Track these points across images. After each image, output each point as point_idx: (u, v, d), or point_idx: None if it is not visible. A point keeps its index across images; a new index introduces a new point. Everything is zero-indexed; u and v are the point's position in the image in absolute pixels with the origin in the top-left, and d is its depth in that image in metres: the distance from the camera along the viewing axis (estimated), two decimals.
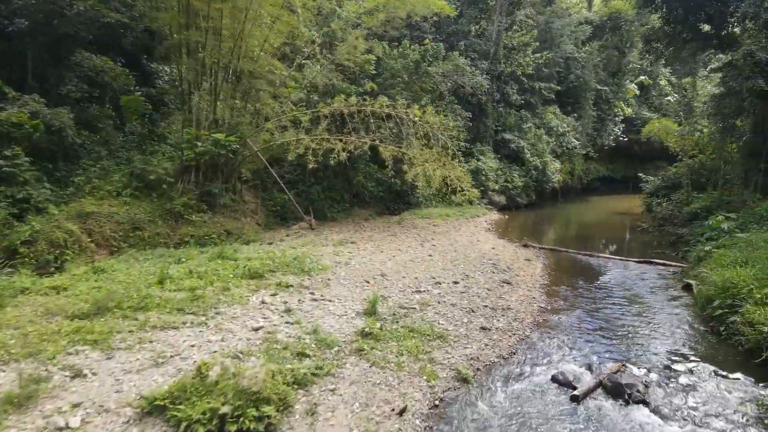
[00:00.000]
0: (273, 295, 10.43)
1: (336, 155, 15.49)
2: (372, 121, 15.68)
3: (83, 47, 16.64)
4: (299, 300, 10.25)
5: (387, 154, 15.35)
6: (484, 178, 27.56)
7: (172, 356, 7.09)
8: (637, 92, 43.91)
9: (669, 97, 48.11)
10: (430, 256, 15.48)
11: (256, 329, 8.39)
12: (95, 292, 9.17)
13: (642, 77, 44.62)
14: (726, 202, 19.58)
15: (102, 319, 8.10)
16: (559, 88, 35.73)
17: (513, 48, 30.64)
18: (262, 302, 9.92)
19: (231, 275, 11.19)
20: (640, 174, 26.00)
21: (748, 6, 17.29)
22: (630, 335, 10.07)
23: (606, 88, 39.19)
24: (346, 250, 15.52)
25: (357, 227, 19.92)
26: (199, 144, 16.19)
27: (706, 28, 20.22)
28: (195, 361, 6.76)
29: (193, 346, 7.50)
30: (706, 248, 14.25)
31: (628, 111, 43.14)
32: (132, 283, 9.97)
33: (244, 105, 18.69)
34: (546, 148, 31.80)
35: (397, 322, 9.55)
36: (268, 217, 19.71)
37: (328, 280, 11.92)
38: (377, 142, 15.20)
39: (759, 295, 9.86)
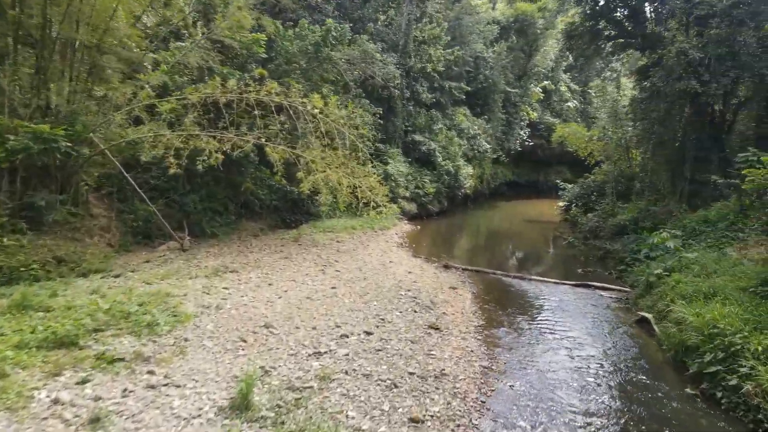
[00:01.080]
0: (81, 383, 6.43)
1: (207, 157, 11.52)
2: (258, 113, 11.91)
3: None
4: (126, 390, 6.37)
5: (276, 156, 11.45)
6: (394, 184, 24.64)
7: None
8: (542, 96, 43.71)
9: (569, 103, 48.82)
10: (333, 288, 12.06)
11: None
12: None
13: (545, 82, 44.58)
14: (651, 213, 18.27)
15: None
16: (469, 88, 33.96)
17: (423, 41, 28.13)
18: (55, 402, 5.94)
19: (17, 345, 7.01)
20: (558, 181, 24.67)
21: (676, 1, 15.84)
22: (604, 410, 7.37)
23: (515, 90, 38.20)
24: (223, 283, 11.65)
25: (243, 247, 15.97)
26: (12, 139, 11.50)
27: (629, 26, 18.85)
28: None
29: None
30: (656, 271, 12.25)
31: (534, 115, 42.76)
32: None
33: (88, 88, 14.04)
34: (458, 151, 29.70)
35: (283, 423, 6.07)
36: (126, 235, 15.08)
37: (185, 341, 8.09)
38: (263, 140, 11.33)
39: (759, 347, 7.61)
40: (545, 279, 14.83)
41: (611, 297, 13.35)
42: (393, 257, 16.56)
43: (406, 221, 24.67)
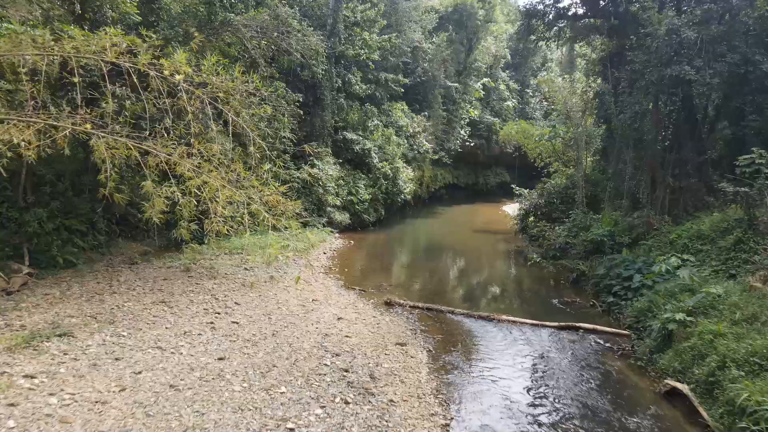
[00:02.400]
0: None
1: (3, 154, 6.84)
2: (85, 84, 7.33)
3: None
4: None
5: (104, 154, 6.60)
6: (321, 190, 20.45)
7: None
8: (482, 93, 40.99)
9: (508, 102, 46.61)
10: (221, 360, 7.78)
11: None
12: None
13: (485, 79, 41.89)
14: (629, 225, 15.29)
15: None
16: (407, 81, 30.34)
17: (356, 23, 24.10)
18: None
19: None
20: (514, 186, 21.42)
21: None
22: None
23: (456, 84, 35.03)
24: (31, 364, 7.09)
25: (105, 284, 11.19)
26: None
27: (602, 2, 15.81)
28: None
29: None
30: (677, 316, 8.89)
31: (474, 113, 39.93)
32: None
33: None
34: (397, 151, 25.93)
35: None
36: None
37: None
38: (91, 127, 6.77)
39: None
40: (519, 320, 11.20)
41: (611, 346, 9.91)
42: (318, 292, 12.37)
43: (337, 235, 20.53)
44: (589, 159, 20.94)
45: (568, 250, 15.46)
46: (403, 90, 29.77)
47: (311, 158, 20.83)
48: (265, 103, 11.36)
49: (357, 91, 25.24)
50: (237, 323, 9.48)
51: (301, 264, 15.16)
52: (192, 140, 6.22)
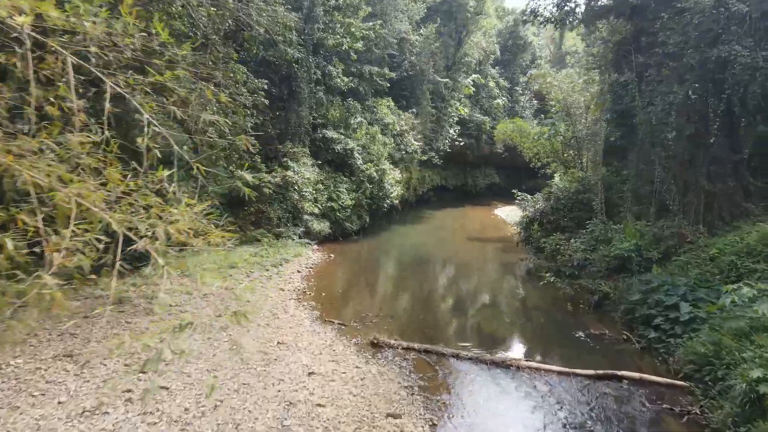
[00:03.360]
0: None
1: None
2: None
3: None
4: None
5: None
6: (297, 196, 17.82)
7: None
8: (473, 90, 38.67)
9: (498, 100, 44.39)
10: None
11: None
12: None
13: (475, 75, 39.56)
14: (656, 238, 12.99)
15: None
16: (393, 75, 27.81)
17: (337, 7, 21.52)
18: None
19: None
20: (514, 191, 18.95)
21: None
22: None
23: (446, 79, 32.63)
24: None
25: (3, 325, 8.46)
26: None
27: None
28: None
29: None
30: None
31: (464, 111, 37.59)
32: None
33: None
34: (383, 151, 23.37)
35: None
36: None
37: None
38: None
39: None
40: (544, 367, 8.73)
41: (670, 408, 7.48)
42: (286, 329, 9.76)
43: (315, 247, 17.92)
44: (596, 159, 18.63)
45: (586, 267, 13.06)
46: (389, 85, 27.27)
47: (285, 159, 18.21)
48: (218, 88, 8.75)
49: (338, 85, 22.65)
50: (167, 388, 6.85)
51: (271, 286, 12.54)
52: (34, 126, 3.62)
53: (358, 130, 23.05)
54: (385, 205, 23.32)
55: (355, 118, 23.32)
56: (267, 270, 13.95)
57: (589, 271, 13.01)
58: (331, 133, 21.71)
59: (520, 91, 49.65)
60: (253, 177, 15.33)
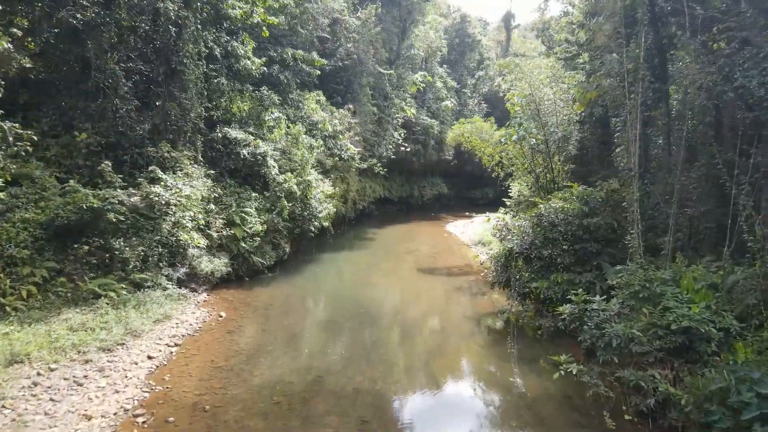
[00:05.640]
0: None
1: None
2: None
3: None
4: None
5: None
6: (171, 223, 11.85)
7: None
8: (422, 87, 33.71)
9: (446, 102, 39.77)
10: None
11: None
12: None
13: (421, 72, 34.68)
14: (709, 284, 8.21)
15: None
16: (325, 62, 22.27)
17: None
18: None
19: None
20: (488, 214, 13.73)
21: None
22: None
23: (390, 71, 27.41)
24: None
25: None
26: None
27: None
28: None
29: None
30: None
31: (411, 112, 32.55)
32: None
33: None
34: (309, 157, 17.65)
35: None
36: None
37: None
38: None
39: None
40: None
41: None
42: None
43: (202, 298, 12.04)
44: (631, 168, 13.86)
45: (620, 344, 7.94)
46: (318, 72, 21.70)
47: (154, 169, 12.18)
48: None
49: (248, 68, 16.78)
50: None
51: (65, 410, 6.58)
52: None
53: (274, 129, 17.29)
54: (313, 228, 17.59)
55: (271, 113, 17.52)
56: (86, 363, 7.92)
57: (627, 350, 7.89)
58: (235, 133, 15.83)
59: (469, 94, 45.53)
60: (93, 194, 9.43)
